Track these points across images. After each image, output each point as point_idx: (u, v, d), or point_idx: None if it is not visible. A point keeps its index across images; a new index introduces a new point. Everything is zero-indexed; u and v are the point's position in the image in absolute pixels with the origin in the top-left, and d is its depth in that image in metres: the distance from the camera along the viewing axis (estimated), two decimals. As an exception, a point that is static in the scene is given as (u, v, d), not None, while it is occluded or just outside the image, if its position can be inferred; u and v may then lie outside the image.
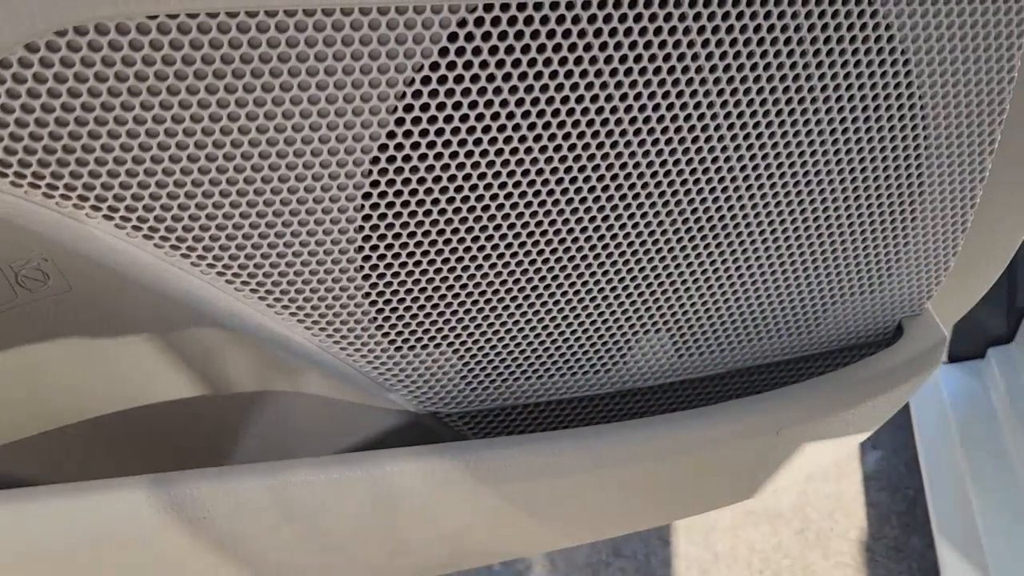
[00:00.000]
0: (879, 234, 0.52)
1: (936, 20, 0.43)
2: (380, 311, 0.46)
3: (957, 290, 0.62)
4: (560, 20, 0.37)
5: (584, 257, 0.47)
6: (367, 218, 0.41)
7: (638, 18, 0.38)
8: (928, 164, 0.49)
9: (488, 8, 0.36)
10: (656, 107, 0.42)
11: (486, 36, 0.37)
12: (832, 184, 0.48)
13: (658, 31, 0.39)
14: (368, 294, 0.45)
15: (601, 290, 0.49)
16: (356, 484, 0.47)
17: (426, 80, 0.37)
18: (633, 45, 0.39)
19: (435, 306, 0.46)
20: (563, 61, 0.39)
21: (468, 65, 0.37)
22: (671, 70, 0.40)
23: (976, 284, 0.63)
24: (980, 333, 1.26)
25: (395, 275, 0.44)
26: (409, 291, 0.45)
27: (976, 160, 0.50)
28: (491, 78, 0.38)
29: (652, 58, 0.40)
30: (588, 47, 0.38)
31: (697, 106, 0.42)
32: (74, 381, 0.49)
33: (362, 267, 0.43)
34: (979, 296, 0.65)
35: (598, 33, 0.38)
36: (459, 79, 0.38)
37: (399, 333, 0.47)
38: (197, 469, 0.46)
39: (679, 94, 0.41)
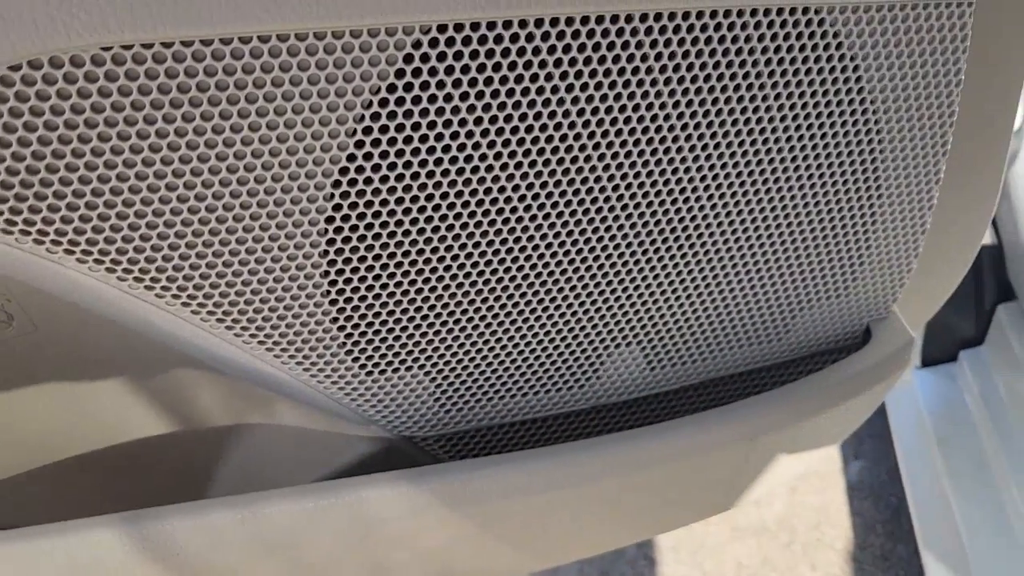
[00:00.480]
0: (841, 240, 0.52)
1: (882, 27, 0.44)
2: (349, 336, 0.46)
3: (922, 292, 0.63)
4: (514, 38, 0.38)
5: (551, 273, 0.47)
6: (331, 242, 0.41)
7: (591, 34, 0.39)
8: (884, 169, 0.50)
9: (441, 29, 0.37)
10: (614, 122, 0.42)
11: (441, 56, 0.37)
12: (793, 193, 0.49)
13: (611, 46, 0.40)
14: (336, 319, 0.45)
15: (570, 306, 0.49)
16: (332, 512, 0.47)
17: (384, 102, 0.38)
18: (588, 61, 0.40)
19: (404, 329, 0.46)
20: (519, 79, 0.39)
21: (425, 86, 0.38)
22: (626, 83, 0.41)
23: (941, 285, 0.64)
24: (951, 336, 1.28)
25: (363, 299, 0.44)
26: (378, 315, 0.45)
27: (931, 163, 0.51)
28: (448, 98, 0.38)
29: (607, 73, 0.40)
30: (543, 64, 0.39)
31: (654, 118, 0.43)
32: (45, 422, 0.48)
33: (329, 292, 0.43)
34: (945, 297, 0.66)
35: (552, 50, 0.39)
36: (417, 100, 0.38)
37: (369, 358, 0.47)
38: (170, 505, 0.45)
39: (635, 107, 0.42)
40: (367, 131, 0.38)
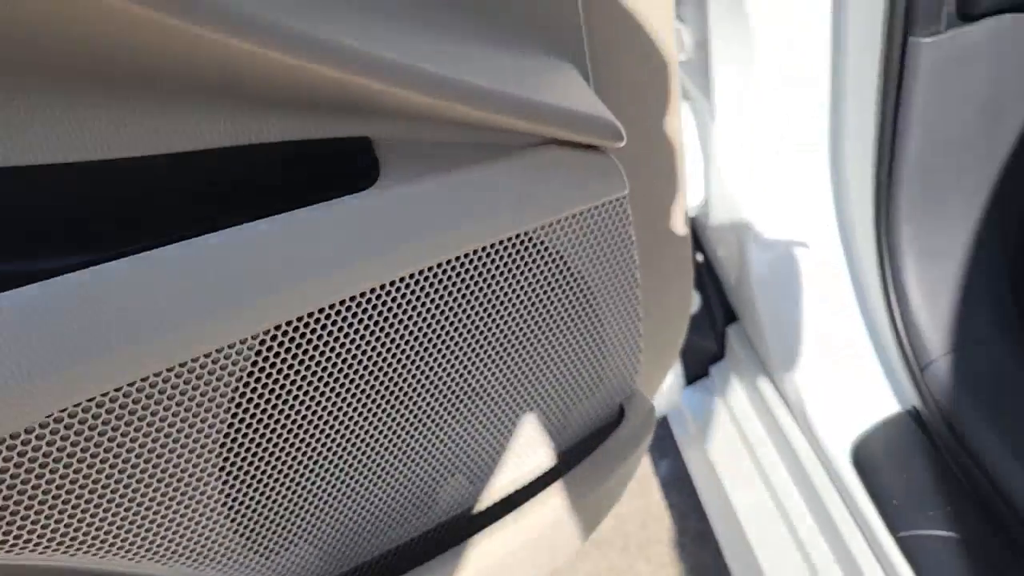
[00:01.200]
0: (588, 366, 0.73)
1: (575, 227, 0.64)
2: (250, 538, 0.60)
3: (651, 368, 0.85)
4: (328, 318, 0.54)
5: (392, 464, 0.64)
6: (227, 482, 0.56)
7: (360, 307, 0.56)
8: (602, 315, 0.71)
9: (278, 327, 0.52)
10: (404, 352, 0.59)
11: (281, 346, 0.53)
12: (545, 353, 0.68)
13: (390, 309, 0.57)
14: (237, 530, 0.59)
15: (408, 478, 0.66)
16: None
17: (243, 393, 0.52)
18: (367, 327, 0.56)
19: (291, 522, 0.61)
20: (332, 348, 0.55)
21: (278, 370, 0.53)
22: (407, 327, 0.58)
23: (663, 360, 0.87)
24: (701, 356, 1.56)
25: (255, 511, 0.58)
26: (267, 518, 0.60)
27: (631, 296, 0.72)
28: (297, 372, 0.54)
29: (383, 331, 0.58)
30: (346, 335, 0.55)
31: (430, 339, 0.60)
32: None
33: (230, 514, 0.57)
34: (670, 365, 0.89)
35: (350, 325, 0.55)
36: (273, 379, 0.53)
37: (266, 547, 0.61)
38: None
39: (418, 340, 0.59)
40: (234, 415, 0.53)
